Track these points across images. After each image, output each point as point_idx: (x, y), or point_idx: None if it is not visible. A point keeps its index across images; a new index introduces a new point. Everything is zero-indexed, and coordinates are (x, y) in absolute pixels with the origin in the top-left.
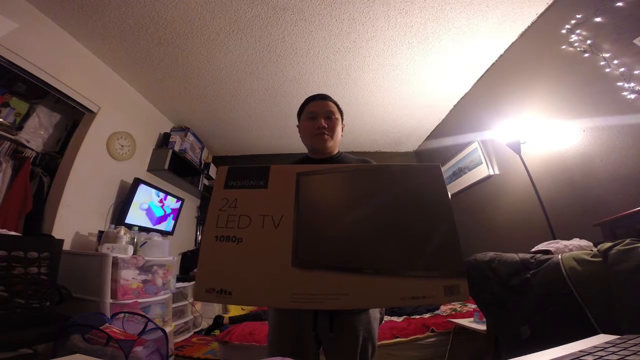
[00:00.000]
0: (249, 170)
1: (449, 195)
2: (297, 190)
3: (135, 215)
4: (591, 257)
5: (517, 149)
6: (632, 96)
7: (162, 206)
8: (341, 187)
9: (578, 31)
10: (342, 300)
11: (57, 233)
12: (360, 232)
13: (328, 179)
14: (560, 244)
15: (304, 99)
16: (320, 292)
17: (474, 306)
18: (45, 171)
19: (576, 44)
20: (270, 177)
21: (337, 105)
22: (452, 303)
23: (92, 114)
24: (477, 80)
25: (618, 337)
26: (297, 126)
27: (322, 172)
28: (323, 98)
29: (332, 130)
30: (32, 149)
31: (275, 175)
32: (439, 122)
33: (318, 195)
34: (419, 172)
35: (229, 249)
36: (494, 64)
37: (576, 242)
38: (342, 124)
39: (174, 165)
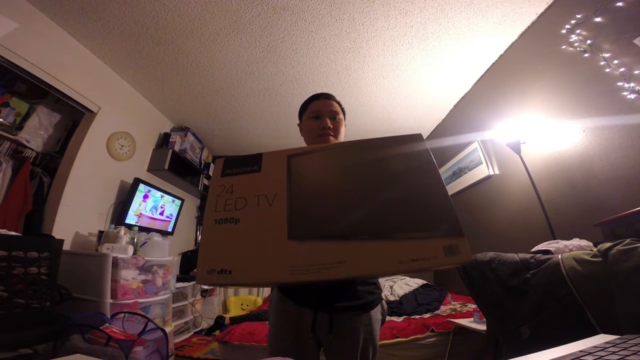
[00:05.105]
0: (243, 158)
1: (435, 162)
2: (288, 170)
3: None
4: (591, 257)
5: (517, 149)
6: (632, 96)
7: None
8: (330, 162)
9: (578, 31)
10: (340, 268)
11: (57, 233)
12: (352, 201)
13: (317, 157)
14: (560, 244)
15: (304, 99)
16: (317, 262)
17: (474, 306)
18: (45, 171)
19: (576, 44)
20: (263, 161)
21: (341, 106)
22: (453, 302)
23: (92, 114)
24: (477, 80)
25: (618, 337)
26: (298, 125)
27: (311, 152)
28: (327, 97)
29: (336, 131)
30: (32, 149)
31: (268, 160)
32: (439, 122)
33: (308, 172)
34: (402, 140)
35: (227, 230)
36: (494, 64)
37: (576, 242)
38: (344, 124)
39: (174, 165)
